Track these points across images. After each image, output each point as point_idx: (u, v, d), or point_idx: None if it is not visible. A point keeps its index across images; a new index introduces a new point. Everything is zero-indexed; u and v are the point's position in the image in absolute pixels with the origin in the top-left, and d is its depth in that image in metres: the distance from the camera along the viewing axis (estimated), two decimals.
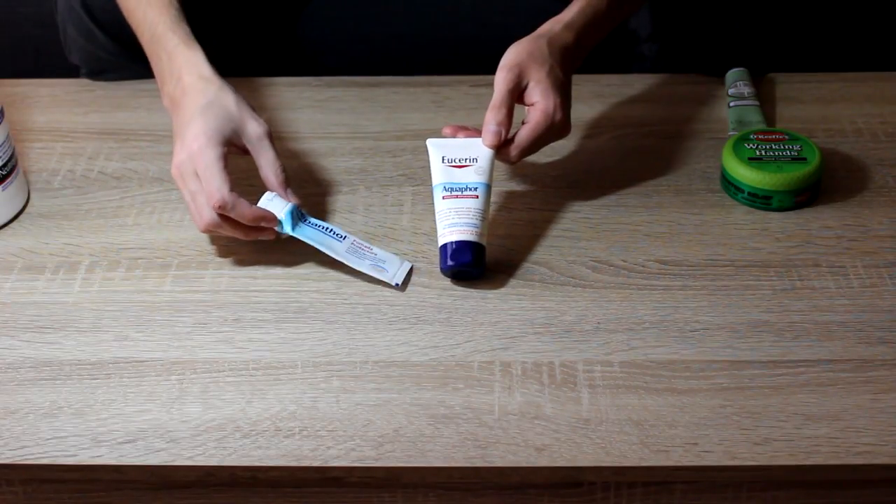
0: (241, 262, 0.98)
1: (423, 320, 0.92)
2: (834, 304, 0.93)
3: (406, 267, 0.96)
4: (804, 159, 1.04)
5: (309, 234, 0.96)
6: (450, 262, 0.93)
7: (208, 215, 0.93)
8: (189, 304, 0.94)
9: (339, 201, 1.06)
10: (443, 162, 0.97)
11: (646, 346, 0.89)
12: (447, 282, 0.96)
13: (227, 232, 0.95)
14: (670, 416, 0.83)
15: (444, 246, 0.94)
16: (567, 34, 1.00)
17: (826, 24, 1.31)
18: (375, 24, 1.29)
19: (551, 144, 1.03)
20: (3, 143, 1.02)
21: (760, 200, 1.03)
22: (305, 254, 0.99)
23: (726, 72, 1.22)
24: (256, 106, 1.20)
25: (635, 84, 1.24)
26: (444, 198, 0.95)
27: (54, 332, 0.91)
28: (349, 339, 0.90)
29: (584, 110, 1.18)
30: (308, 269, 0.97)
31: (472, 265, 0.93)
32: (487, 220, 0.95)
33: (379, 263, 0.95)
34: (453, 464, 0.80)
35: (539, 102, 0.96)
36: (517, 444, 0.81)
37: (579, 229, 1.01)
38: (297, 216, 0.96)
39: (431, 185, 0.97)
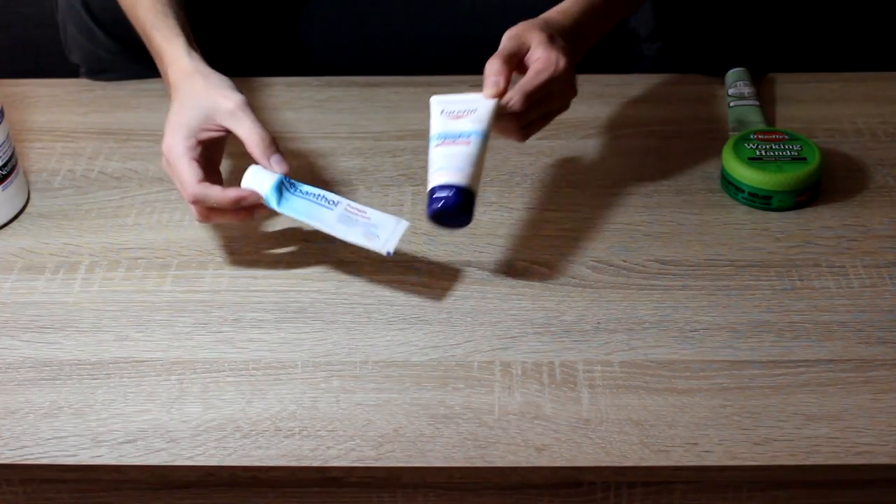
0: (241, 262, 0.98)
1: (423, 320, 0.92)
2: (834, 304, 0.93)
3: (401, 229, 0.92)
4: (804, 159, 1.04)
5: (297, 207, 0.92)
6: (434, 205, 0.88)
7: (193, 209, 0.93)
8: (189, 304, 0.94)
9: None
10: (441, 115, 0.94)
11: (646, 346, 0.89)
12: (447, 282, 0.96)
13: (222, 219, 0.94)
14: (670, 416, 0.83)
15: (431, 190, 0.89)
16: (564, 19, 0.99)
17: (826, 24, 1.31)
18: (375, 24, 1.29)
19: (550, 144, 1.03)
20: (3, 143, 1.02)
21: (760, 200, 1.03)
22: (305, 253, 0.99)
23: (726, 72, 1.22)
24: (256, 106, 1.20)
25: (635, 84, 1.24)
26: (436, 146, 0.92)
27: (54, 332, 0.91)
28: (349, 339, 0.90)
29: (584, 110, 1.18)
30: (308, 269, 0.97)
31: (456, 207, 0.88)
32: (481, 169, 0.91)
33: (371, 230, 0.91)
34: (453, 464, 0.80)
35: (541, 55, 0.94)
36: (517, 444, 0.81)
37: (579, 229, 1.01)
38: (286, 187, 0.92)
39: (428, 139, 0.94)
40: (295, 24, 1.29)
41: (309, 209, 0.92)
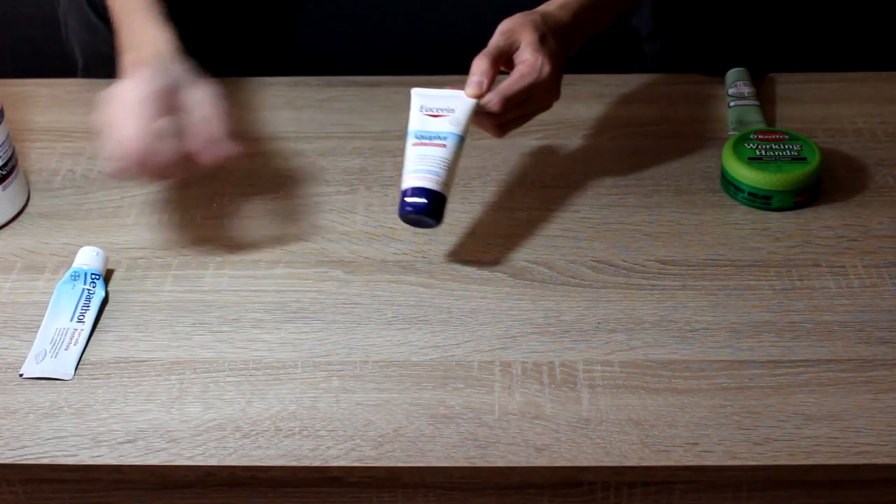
0: (241, 262, 0.98)
1: (423, 320, 0.92)
2: (834, 304, 0.93)
3: (61, 374, 0.87)
4: (804, 159, 1.04)
5: (65, 295, 0.92)
6: (406, 208, 0.92)
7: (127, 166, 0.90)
8: (189, 304, 0.94)
9: (339, 201, 1.06)
10: (420, 111, 0.96)
11: (646, 346, 0.89)
12: (447, 282, 0.96)
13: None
14: (670, 416, 0.83)
15: (404, 191, 0.92)
16: (562, 13, 1.00)
17: (826, 24, 1.31)
18: (375, 24, 1.29)
19: (550, 144, 1.03)
20: (3, 143, 1.02)
21: (760, 200, 1.03)
22: (305, 253, 0.99)
23: (726, 72, 1.22)
24: (257, 106, 1.20)
25: (635, 84, 1.24)
26: (413, 145, 0.94)
27: None
28: (349, 339, 0.90)
29: (584, 110, 1.18)
30: (308, 269, 0.97)
31: (426, 212, 0.91)
32: (454, 172, 0.93)
33: (39, 360, 0.87)
34: (453, 464, 0.80)
35: (528, 59, 0.96)
36: (517, 443, 0.81)
37: (579, 229, 1.02)
38: (86, 279, 0.93)
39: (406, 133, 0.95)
40: (295, 24, 1.29)
41: (62, 307, 0.91)
